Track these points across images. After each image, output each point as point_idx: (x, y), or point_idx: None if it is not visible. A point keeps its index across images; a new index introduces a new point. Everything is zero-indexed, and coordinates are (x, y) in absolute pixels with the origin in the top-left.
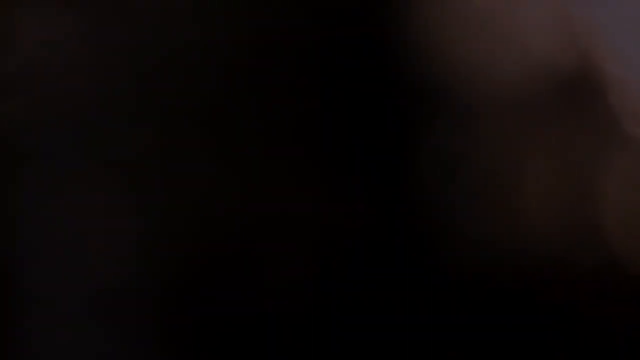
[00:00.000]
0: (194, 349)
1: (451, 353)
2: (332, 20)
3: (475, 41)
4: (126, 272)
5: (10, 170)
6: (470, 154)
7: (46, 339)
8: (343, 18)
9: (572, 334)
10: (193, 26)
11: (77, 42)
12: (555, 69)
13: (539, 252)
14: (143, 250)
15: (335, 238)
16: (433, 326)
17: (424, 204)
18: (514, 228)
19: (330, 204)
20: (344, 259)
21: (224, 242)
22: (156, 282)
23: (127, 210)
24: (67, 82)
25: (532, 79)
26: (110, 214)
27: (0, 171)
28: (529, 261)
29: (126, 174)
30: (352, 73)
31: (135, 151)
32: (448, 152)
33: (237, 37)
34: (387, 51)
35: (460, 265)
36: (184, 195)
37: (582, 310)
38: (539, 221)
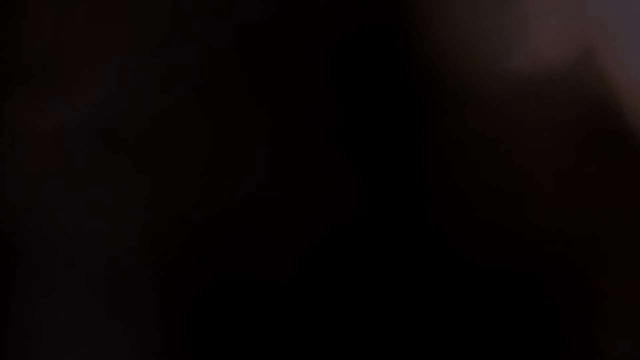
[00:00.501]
0: (196, 330)
1: (452, 350)
2: (338, 13)
3: (482, 35)
4: (129, 249)
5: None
6: (476, 148)
7: (48, 318)
8: (348, 10)
9: (572, 334)
10: (204, 12)
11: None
12: (558, 61)
13: (542, 250)
14: (146, 228)
15: (337, 232)
16: (434, 323)
17: (430, 199)
18: (521, 223)
19: (333, 198)
20: (346, 253)
21: (228, 229)
22: (159, 260)
23: (132, 189)
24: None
25: (536, 72)
26: (114, 193)
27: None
28: (533, 258)
29: (131, 153)
30: (356, 68)
31: (142, 131)
32: (454, 147)
33: (247, 29)
34: (391, 48)
35: (464, 261)
36: (189, 177)
37: (582, 309)
38: (545, 216)
